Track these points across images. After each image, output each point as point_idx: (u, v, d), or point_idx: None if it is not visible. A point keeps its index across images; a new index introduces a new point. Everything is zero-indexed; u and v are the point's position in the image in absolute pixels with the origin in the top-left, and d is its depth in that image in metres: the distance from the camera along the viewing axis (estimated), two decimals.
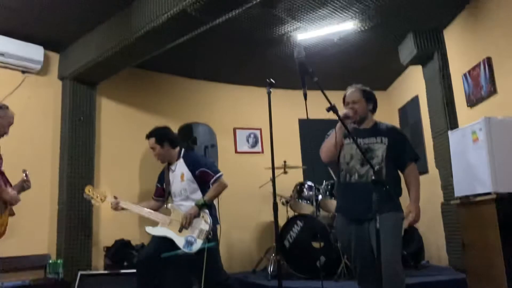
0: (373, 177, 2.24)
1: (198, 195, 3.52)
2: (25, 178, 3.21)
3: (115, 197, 3.60)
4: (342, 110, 2.74)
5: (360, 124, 2.88)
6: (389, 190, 2.32)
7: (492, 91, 3.94)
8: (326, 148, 2.85)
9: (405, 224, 2.75)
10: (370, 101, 2.90)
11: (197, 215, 3.42)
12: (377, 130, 2.85)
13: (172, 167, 3.65)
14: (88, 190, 3.68)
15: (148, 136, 3.63)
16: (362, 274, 2.77)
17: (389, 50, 5.26)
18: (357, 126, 2.86)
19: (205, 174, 3.51)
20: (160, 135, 3.59)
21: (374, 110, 2.93)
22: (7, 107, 3.07)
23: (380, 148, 2.76)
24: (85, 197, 3.72)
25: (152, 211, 3.57)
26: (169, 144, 3.60)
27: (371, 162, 2.63)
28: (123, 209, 3.57)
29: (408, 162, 2.82)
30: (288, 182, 5.22)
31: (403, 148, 2.83)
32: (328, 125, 2.95)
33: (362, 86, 2.94)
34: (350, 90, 2.93)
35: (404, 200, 2.80)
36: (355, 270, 2.84)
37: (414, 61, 5.07)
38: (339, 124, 2.73)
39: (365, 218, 2.67)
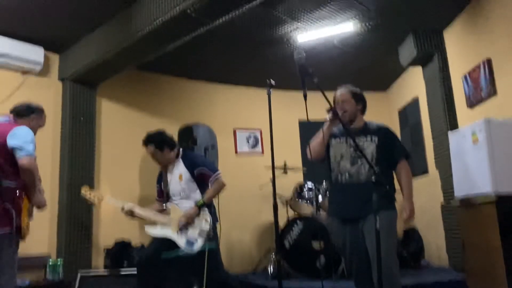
0: (373, 178, 2.25)
1: (197, 194, 3.53)
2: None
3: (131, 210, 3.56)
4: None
5: (350, 124, 2.89)
6: (388, 191, 2.33)
7: (492, 92, 3.94)
8: (313, 145, 2.87)
9: (402, 221, 2.76)
10: (360, 101, 2.93)
11: (197, 215, 3.42)
12: (366, 129, 2.88)
13: (170, 168, 3.66)
14: (85, 190, 3.66)
15: (146, 143, 3.62)
16: (358, 274, 2.79)
17: (389, 51, 5.26)
18: (347, 126, 2.88)
19: (203, 174, 3.53)
20: (159, 141, 3.60)
21: (363, 110, 2.96)
22: (42, 111, 3.07)
23: (369, 146, 2.79)
24: (82, 197, 3.71)
25: (157, 213, 3.58)
26: (168, 147, 3.62)
27: (362, 160, 2.65)
28: (135, 216, 3.57)
29: (399, 159, 2.84)
30: (288, 182, 5.23)
31: (393, 146, 2.86)
32: None
33: (351, 87, 2.97)
34: (339, 90, 2.96)
35: (398, 198, 2.80)
36: (351, 270, 2.86)
37: (414, 62, 5.08)
38: (326, 124, 2.78)
39: (358, 217, 2.69)
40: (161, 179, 3.73)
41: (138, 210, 3.56)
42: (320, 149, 2.85)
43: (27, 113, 2.95)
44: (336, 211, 2.89)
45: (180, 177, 3.57)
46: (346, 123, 2.85)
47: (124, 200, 3.64)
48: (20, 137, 2.68)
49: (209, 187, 3.53)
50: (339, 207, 2.84)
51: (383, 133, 2.86)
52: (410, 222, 2.78)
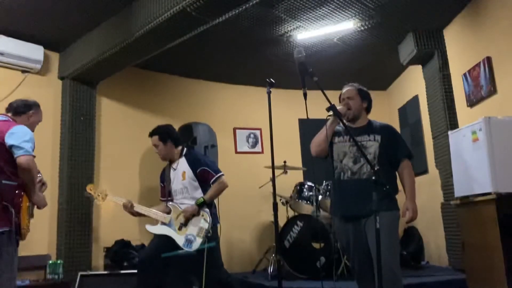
0: (373, 177, 2.24)
1: (199, 193, 3.53)
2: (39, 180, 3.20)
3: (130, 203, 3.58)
4: (338, 107, 2.76)
5: (354, 122, 2.89)
6: (388, 190, 2.33)
7: (492, 91, 3.94)
8: (317, 141, 2.87)
9: (404, 222, 2.75)
10: (365, 99, 2.93)
11: (196, 214, 3.42)
12: (370, 128, 2.86)
13: (174, 166, 3.66)
14: (90, 188, 3.69)
15: (152, 134, 3.65)
16: (360, 273, 2.78)
17: (389, 50, 5.25)
18: (351, 124, 2.87)
19: (206, 173, 3.52)
20: (163, 133, 3.61)
21: (368, 109, 2.95)
22: (39, 106, 3.08)
23: (372, 145, 2.78)
24: (86, 196, 3.72)
25: (157, 211, 3.58)
26: (172, 142, 3.62)
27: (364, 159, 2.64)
28: (139, 214, 3.58)
29: (402, 159, 2.83)
30: (288, 182, 5.22)
31: (396, 145, 2.84)
32: None
33: (358, 85, 2.97)
34: (346, 88, 2.97)
35: (400, 197, 2.79)
36: (353, 269, 2.85)
37: (414, 61, 5.07)
38: (330, 120, 2.78)
39: (360, 215, 2.68)
40: (164, 177, 3.73)
41: (139, 207, 3.57)
42: (324, 146, 2.84)
43: (25, 110, 2.95)
44: (338, 210, 2.88)
45: (184, 174, 3.57)
46: (347, 121, 2.85)
47: (124, 198, 3.64)
48: (18, 136, 2.67)
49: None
50: (341, 205, 2.83)
51: (386, 132, 2.85)
52: (413, 222, 2.77)
